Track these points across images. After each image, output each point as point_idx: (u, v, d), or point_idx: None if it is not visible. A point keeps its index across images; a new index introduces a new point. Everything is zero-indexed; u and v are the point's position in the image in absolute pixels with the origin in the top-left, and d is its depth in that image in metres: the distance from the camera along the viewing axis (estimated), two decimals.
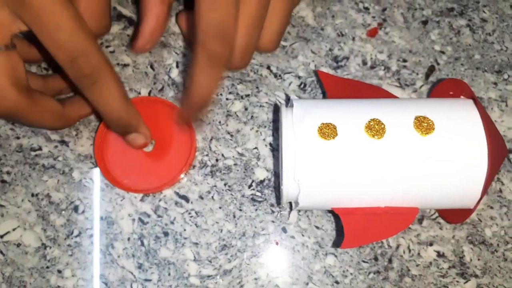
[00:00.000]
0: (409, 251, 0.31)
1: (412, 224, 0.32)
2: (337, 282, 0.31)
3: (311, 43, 0.35)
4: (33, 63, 0.34)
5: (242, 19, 0.27)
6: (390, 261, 0.31)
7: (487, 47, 0.35)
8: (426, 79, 0.35)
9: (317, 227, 0.32)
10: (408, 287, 0.31)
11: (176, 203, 0.32)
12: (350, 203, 0.28)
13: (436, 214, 0.32)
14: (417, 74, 0.35)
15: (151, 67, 0.34)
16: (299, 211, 0.32)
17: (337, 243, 0.31)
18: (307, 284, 0.31)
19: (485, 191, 0.27)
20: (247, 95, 0.34)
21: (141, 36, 0.31)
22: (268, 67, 0.34)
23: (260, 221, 0.32)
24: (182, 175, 0.31)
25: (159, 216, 0.32)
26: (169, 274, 0.31)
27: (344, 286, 0.31)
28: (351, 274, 0.31)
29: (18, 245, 0.31)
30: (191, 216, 0.32)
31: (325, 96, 0.34)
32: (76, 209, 0.32)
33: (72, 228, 0.31)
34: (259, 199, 0.32)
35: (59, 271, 0.31)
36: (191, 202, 0.32)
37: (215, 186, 0.32)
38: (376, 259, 0.31)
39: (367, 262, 0.31)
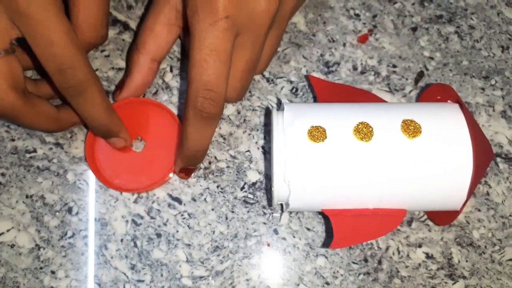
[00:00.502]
0: (399, 252, 0.32)
1: (401, 226, 0.32)
2: (327, 283, 0.31)
3: (303, 48, 0.36)
4: (26, 69, 0.34)
5: (238, 64, 0.28)
6: (379, 262, 0.32)
7: (475, 54, 0.36)
8: (415, 84, 0.35)
9: (308, 229, 0.32)
10: None
11: (169, 204, 0.32)
12: (339, 204, 0.28)
13: (425, 217, 0.33)
14: (407, 79, 0.35)
15: None
16: (290, 213, 0.32)
17: (327, 244, 0.32)
18: (298, 285, 0.31)
19: (471, 193, 0.28)
20: (238, 101, 0.34)
21: (126, 90, 0.32)
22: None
23: (252, 222, 0.32)
24: (171, 174, 0.32)
25: (152, 217, 0.32)
26: (161, 275, 0.31)
27: (335, 287, 0.31)
28: (341, 275, 0.31)
29: (12, 246, 0.31)
30: (183, 218, 0.32)
31: (316, 100, 0.34)
32: (70, 210, 0.32)
33: (66, 229, 0.32)
34: (251, 201, 0.33)
35: (53, 272, 0.31)
36: (184, 204, 0.32)
37: (207, 188, 0.33)
38: (366, 260, 0.32)
39: (357, 264, 0.32)
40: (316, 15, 0.37)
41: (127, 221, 0.32)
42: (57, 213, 0.32)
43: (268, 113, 0.34)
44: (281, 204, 0.32)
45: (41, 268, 0.31)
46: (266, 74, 0.35)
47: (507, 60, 0.36)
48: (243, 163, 0.33)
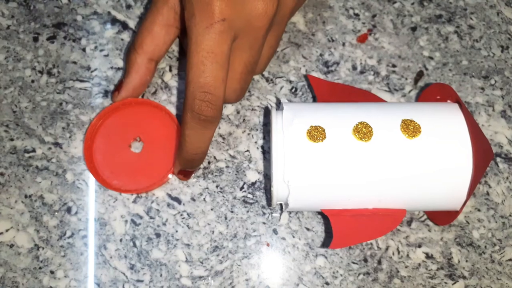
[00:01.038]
0: (398, 252, 0.32)
1: (401, 226, 0.32)
2: (327, 283, 0.31)
3: (302, 48, 0.36)
4: None
5: (236, 66, 0.28)
6: (379, 262, 0.32)
7: (474, 53, 0.36)
8: (414, 84, 0.35)
9: (308, 229, 0.32)
10: None
11: (168, 204, 0.32)
12: (339, 204, 0.28)
13: (425, 217, 0.33)
14: (406, 79, 0.35)
15: None
16: (289, 213, 0.32)
17: (326, 244, 0.32)
18: (297, 285, 0.31)
19: (470, 193, 0.28)
20: (237, 102, 0.34)
21: (124, 90, 0.32)
22: None
23: (252, 222, 0.32)
24: (170, 175, 0.32)
25: (151, 217, 0.32)
26: (161, 275, 0.31)
27: (334, 287, 0.31)
28: (341, 275, 0.31)
29: (11, 246, 0.31)
30: (183, 218, 0.32)
31: (315, 100, 0.34)
32: (69, 210, 0.32)
33: (65, 229, 0.32)
34: (251, 201, 0.32)
35: (52, 272, 0.31)
36: (183, 204, 0.32)
37: (207, 188, 0.33)
38: (365, 260, 0.32)
39: (357, 264, 0.32)
40: (315, 15, 0.37)
41: (126, 221, 0.32)
42: (56, 213, 0.32)
43: (267, 113, 0.34)
44: (281, 204, 0.32)
45: (40, 268, 0.31)
46: (266, 73, 0.35)
47: (507, 59, 0.36)
48: (242, 163, 0.33)
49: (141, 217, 0.32)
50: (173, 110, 0.34)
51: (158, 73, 0.35)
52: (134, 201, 0.32)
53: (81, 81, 0.35)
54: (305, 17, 0.36)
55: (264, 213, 0.32)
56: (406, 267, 0.32)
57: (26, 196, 0.32)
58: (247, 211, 0.32)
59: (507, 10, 0.37)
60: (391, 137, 0.27)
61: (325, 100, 0.32)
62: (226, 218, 0.32)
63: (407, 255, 0.32)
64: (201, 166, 0.33)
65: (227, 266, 0.31)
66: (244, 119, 0.34)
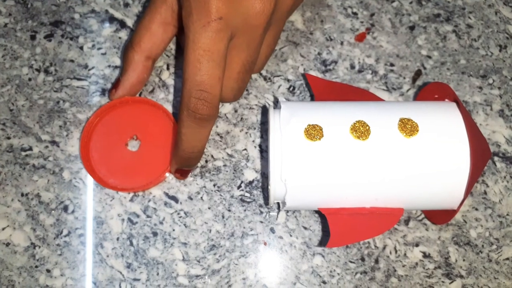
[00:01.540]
0: (396, 251, 0.32)
1: (399, 225, 0.32)
2: (324, 282, 0.31)
3: (300, 47, 0.36)
4: None
5: (234, 65, 0.28)
6: (376, 261, 0.32)
7: (472, 52, 0.36)
8: (413, 83, 0.35)
9: (305, 228, 0.32)
10: (395, 287, 0.31)
11: (165, 203, 0.32)
12: (336, 203, 0.28)
13: (422, 216, 0.32)
14: (404, 78, 0.35)
15: None
16: (287, 211, 0.32)
17: (323, 243, 0.32)
18: (294, 284, 0.31)
19: (468, 192, 0.27)
20: (235, 101, 0.34)
21: (121, 88, 0.32)
22: None
23: (249, 221, 0.32)
24: (167, 174, 0.32)
25: (148, 216, 0.32)
26: (157, 274, 0.31)
27: (331, 286, 0.31)
28: (338, 274, 0.31)
29: (7, 244, 0.31)
30: (180, 217, 0.32)
31: (313, 99, 0.34)
32: (65, 209, 0.32)
33: (61, 227, 0.32)
34: (248, 200, 0.32)
35: (48, 271, 0.31)
36: (180, 203, 0.32)
37: (204, 187, 0.32)
38: (363, 259, 0.32)
39: (354, 263, 0.32)
40: (313, 14, 0.37)
41: (123, 220, 0.32)
42: (53, 212, 0.32)
43: (265, 112, 0.34)
44: (278, 203, 0.32)
45: (36, 266, 0.31)
46: (264, 72, 0.35)
47: (505, 59, 0.36)
48: (240, 161, 0.33)
49: (138, 216, 0.32)
50: (170, 109, 0.34)
51: (156, 72, 0.35)
52: (131, 200, 0.32)
53: (79, 79, 0.34)
54: (303, 15, 0.36)
55: (261, 212, 0.32)
56: (404, 266, 0.32)
57: (22, 195, 0.32)
58: (245, 210, 0.32)
59: (505, 9, 0.37)
60: (389, 136, 0.27)
61: (323, 99, 0.32)
62: (223, 217, 0.32)
63: (405, 254, 0.32)
64: (198, 164, 0.33)
65: (224, 265, 0.31)
66: (241, 118, 0.34)
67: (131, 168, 0.32)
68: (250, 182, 0.33)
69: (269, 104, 0.34)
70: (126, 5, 0.36)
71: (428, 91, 0.32)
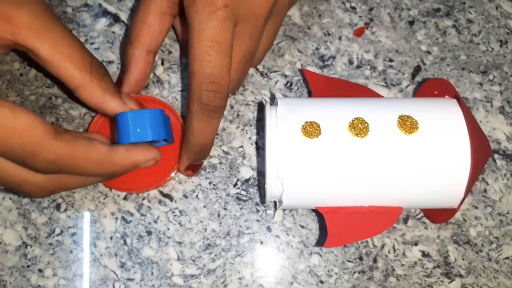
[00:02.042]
0: (394, 250, 0.31)
1: (397, 224, 0.32)
2: (321, 282, 0.31)
3: (297, 42, 0.35)
4: None
5: (235, 55, 0.27)
6: (375, 260, 0.31)
7: (472, 48, 0.36)
8: (412, 79, 0.35)
9: (302, 226, 0.31)
10: (393, 287, 0.31)
11: (160, 201, 0.32)
12: (334, 202, 0.27)
13: (421, 214, 0.32)
14: (403, 74, 0.35)
15: None
16: (284, 210, 0.32)
17: (321, 242, 0.31)
18: (291, 283, 0.31)
19: (468, 190, 0.27)
20: (233, 93, 0.34)
21: (126, 86, 0.31)
22: None
23: (245, 220, 0.31)
24: (172, 174, 0.31)
25: (142, 215, 0.31)
26: (152, 274, 0.30)
27: (329, 285, 0.31)
28: (336, 273, 0.31)
29: None
30: (174, 215, 0.31)
31: (310, 95, 0.34)
32: (58, 207, 0.31)
33: (53, 226, 0.31)
34: (244, 198, 0.32)
35: (40, 270, 0.30)
36: (175, 201, 0.32)
37: (199, 185, 0.32)
38: (361, 258, 0.31)
39: (352, 262, 0.31)
40: (311, 8, 0.36)
41: (116, 218, 0.31)
42: (45, 210, 0.31)
43: (261, 108, 0.33)
44: (275, 201, 0.32)
45: (28, 266, 0.30)
46: (260, 68, 0.34)
47: (506, 54, 0.35)
48: (236, 159, 0.32)
49: (132, 214, 0.31)
50: None
51: None
52: (125, 198, 0.31)
53: None
54: (301, 10, 0.36)
55: (258, 211, 0.32)
56: (402, 265, 0.31)
57: (13, 193, 0.31)
58: (241, 208, 0.32)
59: (506, 4, 0.37)
60: (388, 133, 0.26)
61: (320, 95, 0.32)
62: (219, 215, 0.31)
63: (403, 253, 0.31)
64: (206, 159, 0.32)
65: (219, 265, 0.31)
66: (238, 114, 0.33)
67: (137, 169, 0.31)
68: (246, 180, 0.32)
69: (265, 101, 0.34)
70: None
71: (428, 88, 0.31)
